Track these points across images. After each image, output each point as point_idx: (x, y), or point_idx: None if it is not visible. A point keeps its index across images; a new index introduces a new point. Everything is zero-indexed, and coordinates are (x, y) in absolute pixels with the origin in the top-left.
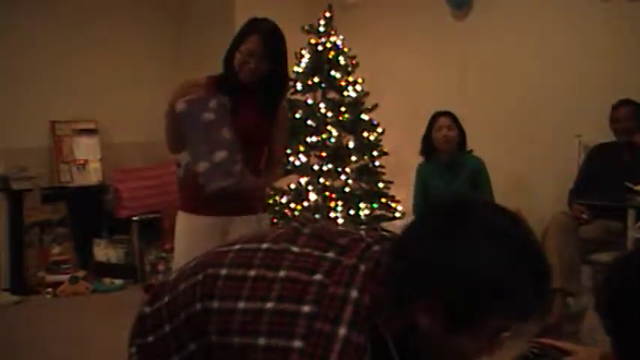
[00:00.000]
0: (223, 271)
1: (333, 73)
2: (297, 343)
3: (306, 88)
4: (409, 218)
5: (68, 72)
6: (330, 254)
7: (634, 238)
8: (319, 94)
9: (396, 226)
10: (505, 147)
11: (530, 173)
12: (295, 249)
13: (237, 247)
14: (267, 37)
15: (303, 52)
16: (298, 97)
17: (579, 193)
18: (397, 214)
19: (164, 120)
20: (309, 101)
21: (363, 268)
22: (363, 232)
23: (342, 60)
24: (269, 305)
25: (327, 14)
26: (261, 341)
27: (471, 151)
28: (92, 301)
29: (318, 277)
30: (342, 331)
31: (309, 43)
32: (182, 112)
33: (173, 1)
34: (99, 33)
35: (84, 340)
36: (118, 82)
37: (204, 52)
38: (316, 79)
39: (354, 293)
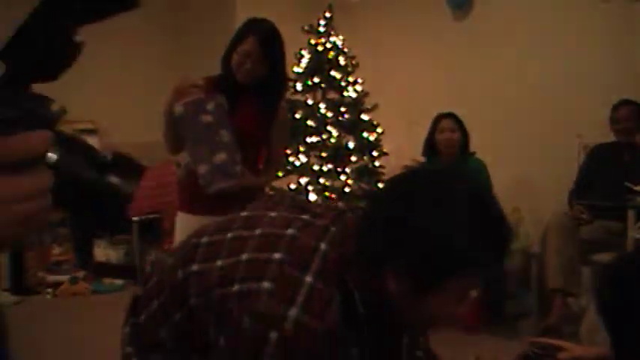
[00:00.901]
0: (204, 239)
1: (333, 73)
2: (266, 284)
3: (306, 89)
4: None
5: (67, 72)
6: (305, 216)
7: (634, 239)
8: (319, 94)
9: None
10: (505, 147)
11: (530, 173)
12: (272, 214)
13: (219, 219)
14: (264, 38)
15: (303, 52)
16: (298, 97)
17: (579, 193)
18: None
19: (163, 118)
20: (309, 101)
21: (333, 228)
22: (340, 205)
23: (342, 60)
24: (244, 256)
25: (327, 14)
26: (236, 287)
27: (474, 153)
28: (92, 301)
29: (290, 231)
30: (309, 278)
31: (309, 43)
32: (180, 114)
33: (173, 1)
34: (98, 33)
35: (84, 341)
36: (117, 82)
37: (204, 52)
38: (316, 80)
39: (322, 246)
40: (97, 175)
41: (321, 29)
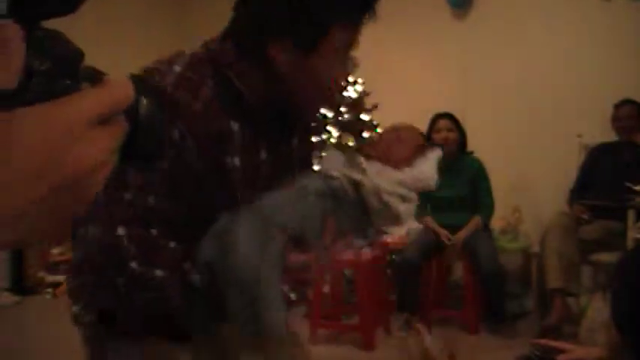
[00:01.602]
0: None
1: None
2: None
3: None
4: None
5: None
6: None
7: (634, 239)
8: None
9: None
10: (505, 147)
11: (530, 173)
12: None
13: None
14: None
15: None
16: None
17: (579, 193)
18: None
19: None
20: None
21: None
22: None
23: None
24: None
25: None
26: None
27: (472, 152)
28: None
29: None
30: (177, 68)
31: None
32: None
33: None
34: (98, 30)
35: None
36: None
37: None
38: None
39: (189, 52)
40: None
41: None
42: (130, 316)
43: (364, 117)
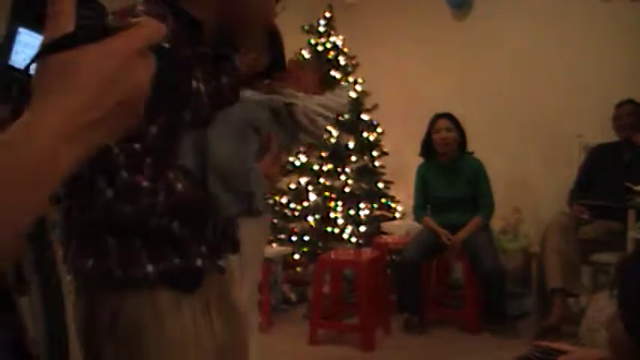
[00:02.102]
0: None
1: (333, 73)
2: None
3: None
4: (409, 219)
5: None
6: None
7: (634, 239)
8: None
9: (396, 226)
10: (505, 147)
11: (531, 173)
12: None
13: None
14: None
15: (303, 52)
16: None
17: (579, 193)
18: (397, 215)
19: None
20: None
21: None
22: None
23: (342, 60)
24: None
25: (327, 14)
26: None
27: (472, 152)
28: None
29: None
30: (139, 7)
31: (309, 43)
32: None
33: None
34: None
35: None
36: None
37: None
38: None
39: None
40: None
41: (321, 29)
42: (122, 227)
43: (364, 117)
